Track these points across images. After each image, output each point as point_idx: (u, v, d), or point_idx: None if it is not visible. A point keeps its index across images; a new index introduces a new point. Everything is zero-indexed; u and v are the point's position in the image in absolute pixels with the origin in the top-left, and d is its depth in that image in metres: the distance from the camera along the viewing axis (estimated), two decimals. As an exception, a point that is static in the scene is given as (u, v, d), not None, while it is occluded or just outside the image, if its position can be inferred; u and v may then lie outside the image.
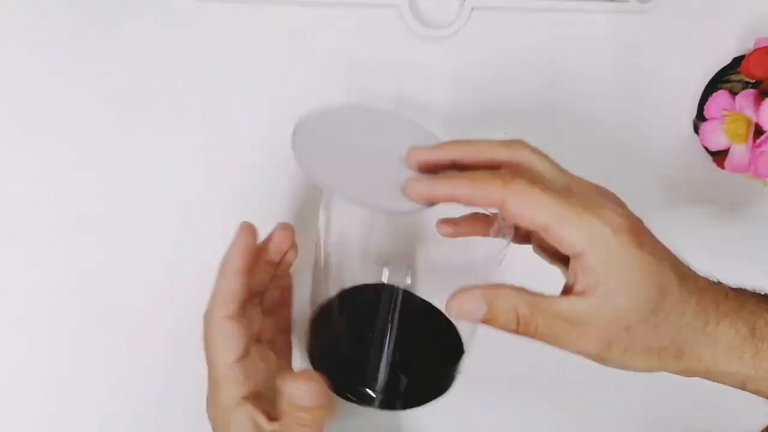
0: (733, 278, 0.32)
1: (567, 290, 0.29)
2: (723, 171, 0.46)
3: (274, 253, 0.37)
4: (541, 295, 0.29)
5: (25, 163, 0.39)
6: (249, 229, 0.34)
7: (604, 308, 0.28)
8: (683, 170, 0.49)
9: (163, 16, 0.39)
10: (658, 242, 0.30)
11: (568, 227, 0.27)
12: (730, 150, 0.44)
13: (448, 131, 0.44)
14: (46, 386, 0.40)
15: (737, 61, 0.46)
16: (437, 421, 0.47)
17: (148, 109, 0.40)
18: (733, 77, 0.46)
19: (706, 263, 0.31)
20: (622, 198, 0.31)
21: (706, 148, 0.46)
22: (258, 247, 0.36)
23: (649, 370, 0.30)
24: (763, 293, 0.32)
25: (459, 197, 0.29)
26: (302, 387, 0.31)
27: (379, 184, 0.31)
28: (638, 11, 0.45)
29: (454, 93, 0.44)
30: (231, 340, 0.33)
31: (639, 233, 0.28)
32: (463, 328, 0.36)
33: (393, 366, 0.34)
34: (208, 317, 0.33)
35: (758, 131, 0.41)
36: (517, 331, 0.29)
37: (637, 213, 0.30)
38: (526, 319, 0.28)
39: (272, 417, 0.32)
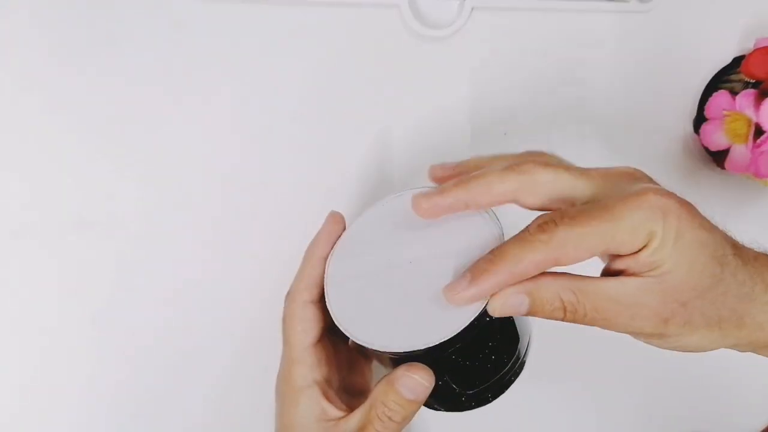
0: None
1: (614, 272, 0.28)
2: (723, 171, 0.46)
3: None
4: (586, 278, 0.28)
5: (25, 162, 0.39)
6: (336, 217, 0.35)
7: (658, 286, 0.27)
8: (683, 170, 0.49)
9: (163, 15, 0.39)
10: (703, 214, 0.29)
11: (623, 238, 0.26)
12: (730, 150, 0.44)
13: (449, 131, 0.45)
14: (46, 386, 0.40)
15: (737, 61, 0.46)
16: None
17: (148, 108, 0.40)
18: (733, 77, 0.46)
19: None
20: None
21: (706, 148, 0.46)
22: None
23: (710, 346, 0.29)
24: None
25: (506, 284, 0.27)
26: (415, 378, 0.30)
27: (424, 306, 0.29)
28: (638, 11, 0.45)
29: (454, 93, 0.44)
30: (309, 323, 0.33)
31: (687, 208, 0.28)
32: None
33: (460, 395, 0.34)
34: (289, 299, 0.34)
35: (758, 131, 0.41)
36: (564, 319, 0.28)
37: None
38: (572, 305, 0.27)
39: (337, 407, 0.32)
